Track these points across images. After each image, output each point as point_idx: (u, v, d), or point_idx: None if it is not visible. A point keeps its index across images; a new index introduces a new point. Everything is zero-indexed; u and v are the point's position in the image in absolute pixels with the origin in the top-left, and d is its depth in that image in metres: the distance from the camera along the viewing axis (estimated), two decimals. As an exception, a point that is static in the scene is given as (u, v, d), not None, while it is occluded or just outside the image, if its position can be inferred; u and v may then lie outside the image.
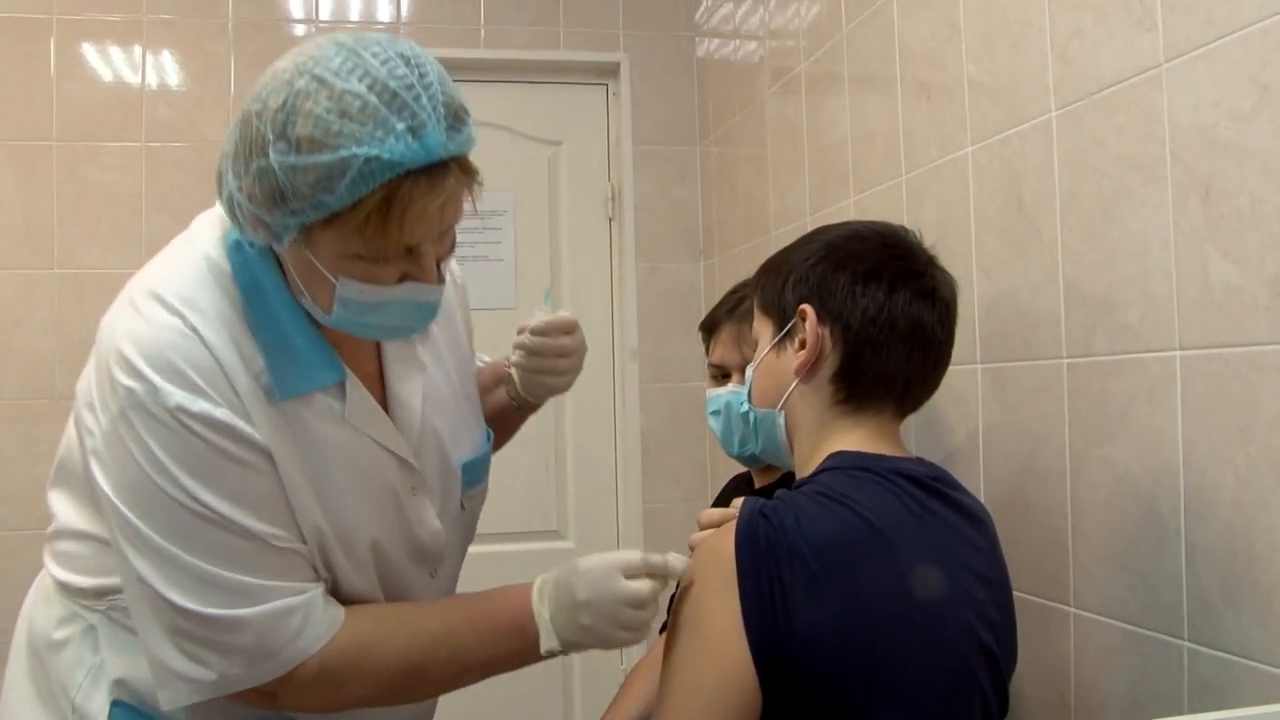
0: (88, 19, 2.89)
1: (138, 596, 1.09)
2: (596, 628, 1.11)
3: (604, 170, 3.22)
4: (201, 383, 1.07)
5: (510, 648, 1.15)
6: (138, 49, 2.92)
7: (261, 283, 1.13)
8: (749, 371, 1.23)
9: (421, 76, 1.00)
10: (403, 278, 1.07)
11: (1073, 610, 1.42)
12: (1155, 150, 1.25)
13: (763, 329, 1.20)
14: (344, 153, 0.95)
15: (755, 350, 1.70)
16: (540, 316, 1.44)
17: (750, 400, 1.21)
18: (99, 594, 1.22)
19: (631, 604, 1.10)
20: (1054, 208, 1.44)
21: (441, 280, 1.11)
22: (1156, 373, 1.26)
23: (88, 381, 1.14)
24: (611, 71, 3.19)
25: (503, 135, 3.12)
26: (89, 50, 2.90)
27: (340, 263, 1.04)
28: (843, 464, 1.07)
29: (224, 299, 1.11)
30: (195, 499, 1.05)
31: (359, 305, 1.07)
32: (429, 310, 1.13)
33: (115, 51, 2.91)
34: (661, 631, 1.87)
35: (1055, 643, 1.43)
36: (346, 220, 0.99)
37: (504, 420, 1.56)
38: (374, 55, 0.99)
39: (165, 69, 2.93)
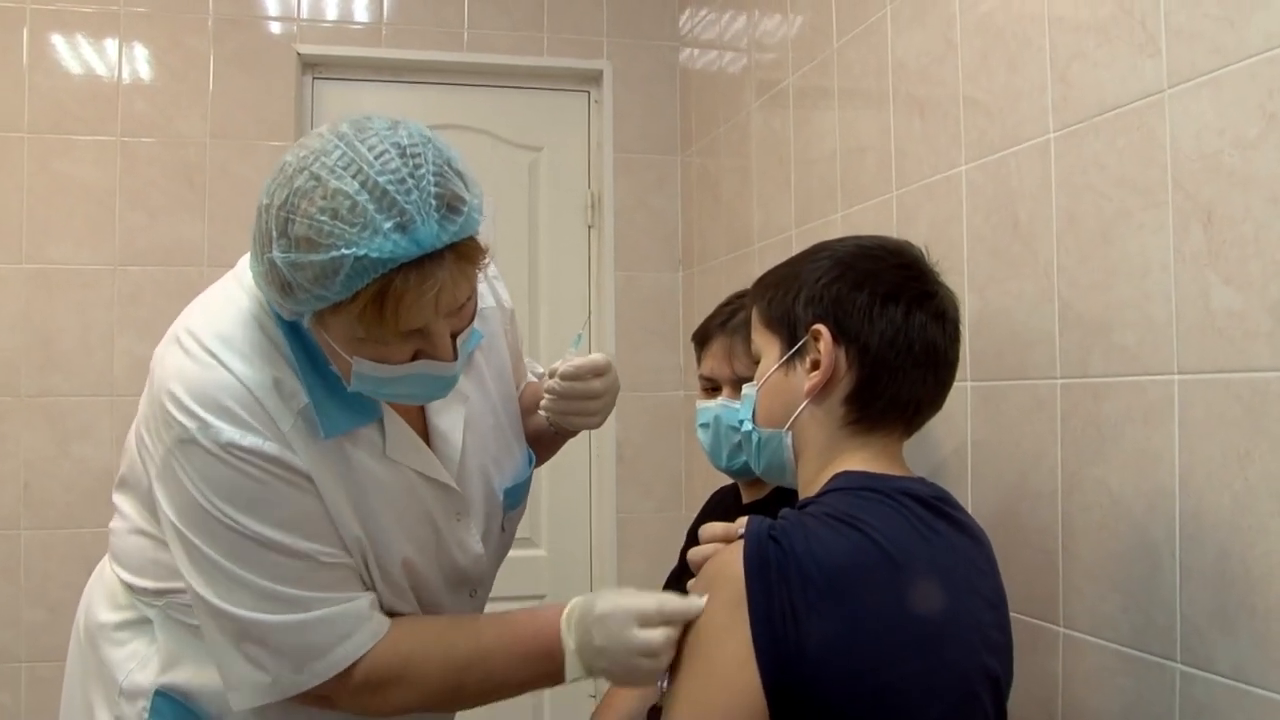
0: (62, 9, 2.83)
1: (200, 608, 1.16)
2: (613, 670, 1.13)
3: (584, 177, 3.20)
4: (248, 417, 1.12)
5: (540, 671, 1.18)
6: (114, 42, 2.86)
7: (298, 326, 1.17)
8: (749, 390, 1.21)
9: (415, 168, 1.02)
10: (416, 355, 1.11)
11: (1062, 630, 1.42)
12: (1156, 175, 1.26)
13: (768, 346, 1.18)
14: (334, 253, 1.00)
15: (756, 366, 1.70)
16: (571, 360, 1.42)
17: (754, 420, 1.19)
18: (159, 593, 1.27)
19: (645, 654, 1.09)
20: (1051, 229, 1.45)
21: (457, 356, 1.14)
22: (1154, 395, 1.26)
23: (144, 403, 1.20)
24: (594, 79, 3.18)
25: (483, 140, 3.10)
26: (62, 42, 2.84)
27: (351, 344, 1.09)
28: (849, 484, 1.06)
29: (265, 339, 1.16)
30: (246, 527, 1.11)
31: (374, 379, 1.11)
32: (445, 384, 1.16)
33: (90, 43, 2.86)
34: None
35: (1043, 662, 1.44)
36: (348, 310, 1.04)
37: (544, 442, 1.58)
38: (370, 148, 1.02)
39: (142, 63, 2.88)
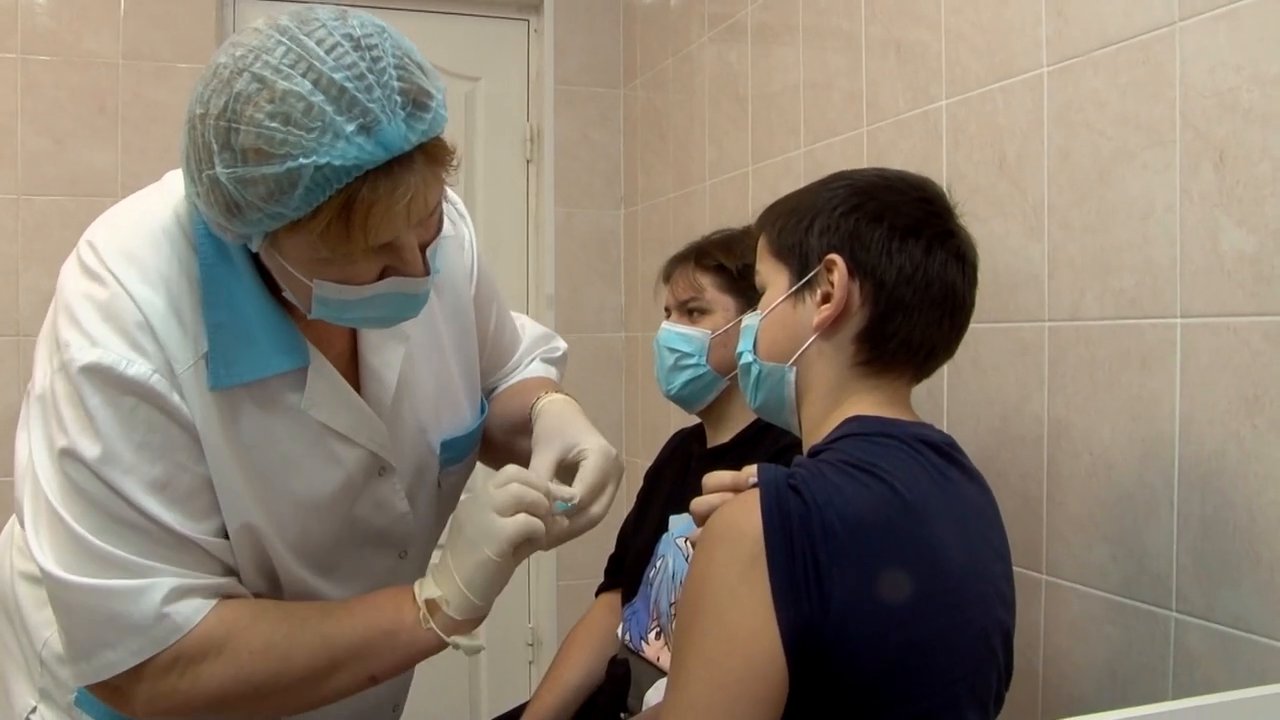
0: (-46, -87, 2.60)
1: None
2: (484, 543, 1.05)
3: (523, 110, 3.08)
4: (146, 345, 1.00)
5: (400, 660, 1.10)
6: (13, -50, 2.64)
7: (226, 258, 1.04)
8: (750, 320, 1.13)
9: (374, 61, 0.90)
10: (384, 272, 0.99)
11: (1045, 578, 1.40)
12: (1163, 112, 1.21)
13: (775, 276, 1.10)
14: (291, 164, 0.88)
15: (717, 295, 1.66)
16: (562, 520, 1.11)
17: (755, 352, 1.12)
18: None
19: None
20: (1041, 167, 1.40)
21: (428, 270, 1.02)
22: (1153, 340, 1.23)
23: (46, 322, 1.07)
24: (534, 6, 3.04)
25: (417, 67, 2.94)
26: (-45, -52, 2.61)
27: (312, 265, 0.97)
28: (864, 429, 1.00)
29: (177, 267, 1.03)
30: (101, 469, 0.99)
31: (339, 303, 1.00)
32: (417, 302, 1.05)
33: (-14, -49, 2.63)
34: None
35: (1024, 611, 1.40)
36: (308, 227, 0.92)
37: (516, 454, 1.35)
38: (319, 42, 0.90)
39: (44, -26, 2.66)
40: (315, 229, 0.92)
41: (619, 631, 1.72)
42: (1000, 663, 1.01)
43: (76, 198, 2.66)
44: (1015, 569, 1.41)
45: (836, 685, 0.90)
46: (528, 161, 3.08)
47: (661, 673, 1.58)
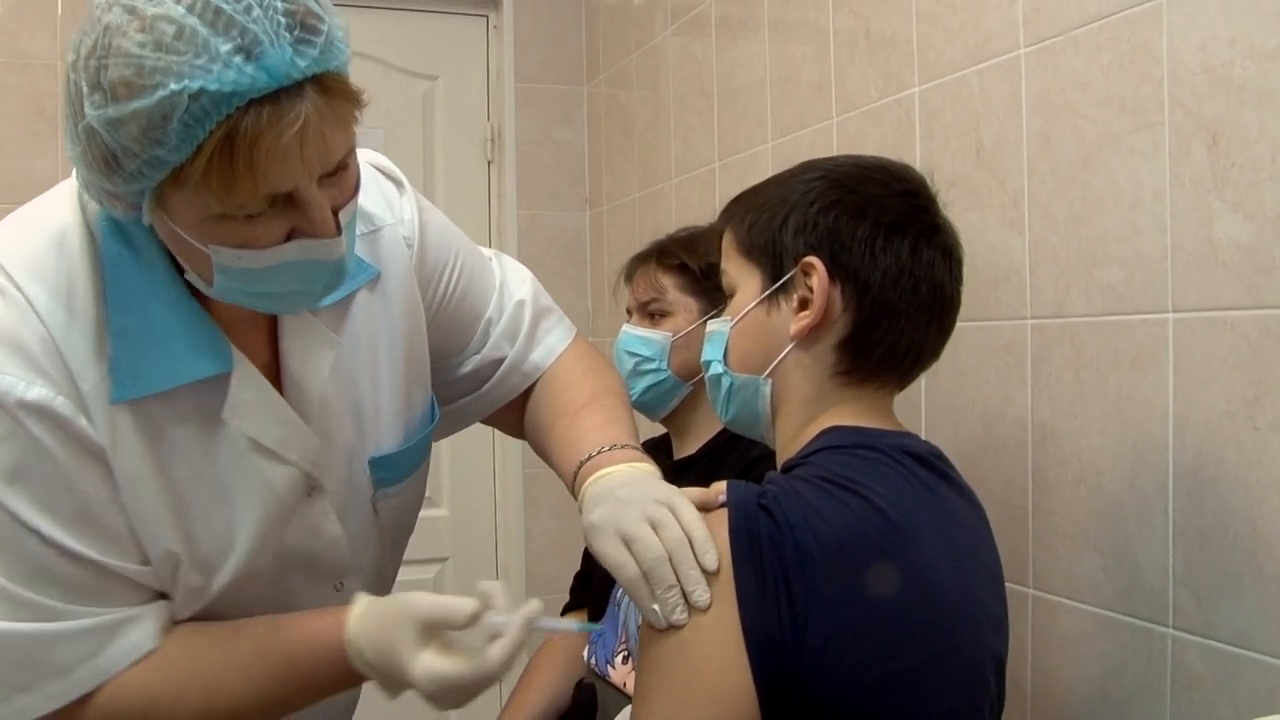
0: (-118, -91, 2.48)
1: None
2: None
3: (483, 109, 2.98)
4: (45, 363, 0.91)
5: (342, 687, 1.01)
6: (-56, -52, 2.53)
7: (134, 252, 0.94)
8: (719, 326, 1.04)
9: None
10: (291, 234, 0.88)
11: (1031, 592, 1.32)
12: (1151, 92, 1.13)
13: (745, 278, 1.01)
14: (163, 92, 0.79)
15: (682, 296, 1.58)
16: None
17: (726, 362, 1.03)
18: None
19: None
20: (1020, 155, 1.32)
21: (341, 230, 0.91)
22: (1143, 337, 1.15)
23: None
24: (493, 2, 2.95)
25: (373, 67, 2.84)
26: (-116, -54, 2.49)
27: (206, 227, 0.86)
28: (842, 441, 0.91)
29: (82, 271, 0.94)
30: (6, 504, 0.90)
31: (242, 273, 0.89)
32: (332, 270, 0.93)
33: (-84, -51, 2.51)
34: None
35: (1011, 627, 1.32)
36: (191, 174, 0.82)
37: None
38: None
39: (-22, -27, 2.55)
40: (197, 173, 0.82)
41: (585, 654, 1.63)
42: (992, 693, 0.93)
43: (16, 205, 2.54)
44: (1000, 583, 1.33)
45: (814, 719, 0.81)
46: (489, 163, 2.99)
47: (628, 699, 1.49)
